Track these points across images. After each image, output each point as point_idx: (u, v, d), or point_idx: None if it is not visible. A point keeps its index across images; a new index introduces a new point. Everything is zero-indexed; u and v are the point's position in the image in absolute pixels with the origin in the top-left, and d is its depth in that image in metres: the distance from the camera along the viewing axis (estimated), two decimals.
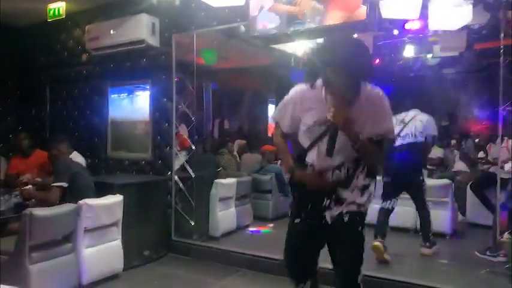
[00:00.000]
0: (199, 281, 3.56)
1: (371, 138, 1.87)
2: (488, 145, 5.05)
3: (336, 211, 1.92)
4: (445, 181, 4.89)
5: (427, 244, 3.95)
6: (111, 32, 4.44)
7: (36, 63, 5.57)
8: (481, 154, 5.56)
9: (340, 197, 1.92)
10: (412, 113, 4.07)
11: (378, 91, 1.93)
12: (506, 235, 3.99)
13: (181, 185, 4.38)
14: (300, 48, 5.69)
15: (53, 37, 5.39)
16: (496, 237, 3.68)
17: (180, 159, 4.58)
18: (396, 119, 4.06)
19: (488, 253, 3.73)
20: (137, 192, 3.94)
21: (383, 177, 3.94)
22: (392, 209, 3.99)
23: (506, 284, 3.08)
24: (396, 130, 3.99)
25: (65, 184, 3.31)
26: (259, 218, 5.46)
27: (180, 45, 4.43)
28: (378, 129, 1.90)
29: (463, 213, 5.28)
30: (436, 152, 6.48)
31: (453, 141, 6.43)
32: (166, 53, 4.43)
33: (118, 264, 3.56)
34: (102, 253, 3.41)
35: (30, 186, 3.78)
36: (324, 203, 1.93)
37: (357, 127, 1.81)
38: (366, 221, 1.99)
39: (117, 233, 3.57)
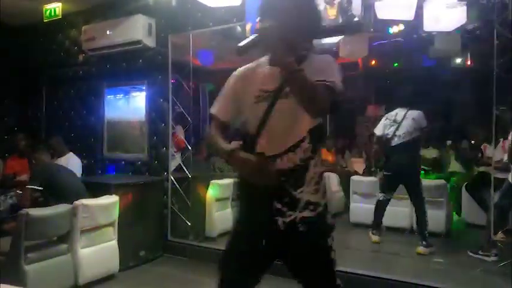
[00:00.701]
0: (195, 281, 3.56)
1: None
2: (483, 145, 5.06)
3: (287, 218, 1.45)
4: (440, 181, 4.93)
5: (424, 243, 3.98)
6: (108, 32, 4.45)
7: (32, 64, 5.56)
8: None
9: (293, 196, 1.44)
10: (402, 112, 4.17)
11: (327, 56, 1.57)
12: (500, 234, 4.03)
13: (177, 185, 4.38)
14: None
15: (50, 37, 5.39)
16: (491, 236, 3.70)
17: (176, 160, 4.60)
18: (388, 119, 4.17)
19: (480, 252, 3.76)
20: (133, 193, 3.94)
21: (383, 170, 4.16)
22: (389, 199, 4.22)
23: (500, 283, 3.10)
24: (391, 130, 4.06)
25: (36, 187, 3.37)
26: None
27: (176, 46, 4.44)
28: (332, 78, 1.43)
29: (458, 213, 5.31)
30: (431, 153, 6.53)
31: (448, 142, 6.46)
32: (163, 53, 4.44)
33: (114, 264, 3.56)
34: (98, 253, 3.42)
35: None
36: (274, 206, 1.44)
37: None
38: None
39: (113, 233, 3.58)
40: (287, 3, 1.49)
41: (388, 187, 4.22)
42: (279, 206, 1.44)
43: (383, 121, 4.28)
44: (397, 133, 4.08)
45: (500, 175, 4.00)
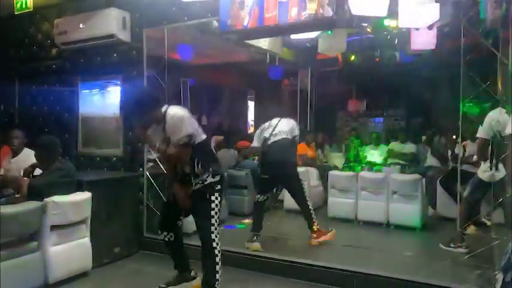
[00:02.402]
0: (170, 276, 3.54)
1: (178, 144, 2.67)
2: (464, 142, 5.11)
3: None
4: (415, 176, 5.01)
5: (314, 236, 4.06)
6: (81, 26, 4.37)
7: (4, 57, 5.42)
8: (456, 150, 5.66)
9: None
10: (275, 120, 4.38)
11: (170, 113, 2.67)
12: (472, 227, 4.14)
13: (153, 181, 4.34)
14: (274, 44, 5.70)
15: (21, 31, 5.26)
16: (465, 229, 3.80)
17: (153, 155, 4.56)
18: (263, 126, 4.40)
19: (452, 245, 3.85)
20: (107, 189, 3.90)
21: (260, 173, 4.31)
22: (267, 199, 4.32)
23: (466, 275, 3.18)
24: (267, 132, 4.28)
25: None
26: (235, 214, 5.48)
27: (151, 40, 4.38)
28: (176, 137, 2.66)
29: (434, 207, 5.41)
30: (409, 148, 6.65)
31: (423, 137, 6.57)
32: (138, 48, 4.39)
33: (87, 262, 3.52)
34: (70, 251, 3.38)
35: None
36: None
37: (162, 141, 2.75)
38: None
39: (85, 230, 3.53)
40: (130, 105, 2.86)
41: (264, 188, 4.27)
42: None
43: (258, 131, 4.46)
44: (273, 133, 4.24)
45: (473, 170, 4.10)
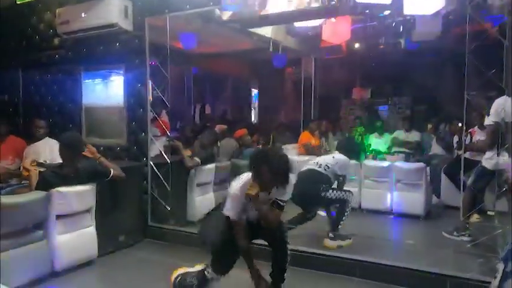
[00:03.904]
0: (174, 264, 3.53)
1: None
2: (471, 129, 5.06)
3: None
4: (420, 164, 5.00)
5: (331, 235, 3.87)
6: (82, 15, 4.33)
7: (7, 47, 5.42)
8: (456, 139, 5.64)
9: None
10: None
11: None
12: (475, 215, 4.14)
13: (157, 171, 4.37)
14: (278, 32, 5.66)
15: (24, 21, 5.23)
16: (468, 217, 3.79)
17: (160, 142, 4.59)
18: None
19: (455, 233, 3.86)
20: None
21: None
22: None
23: (469, 263, 3.19)
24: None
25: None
26: None
27: (154, 29, 4.35)
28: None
29: (438, 196, 5.41)
30: (413, 136, 6.62)
31: (429, 126, 6.52)
32: (140, 37, 4.36)
33: (92, 250, 3.56)
34: (76, 240, 3.41)
35: None
36: None
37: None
38: None
39: (90, 219, 3.56)
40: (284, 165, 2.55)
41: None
42: None
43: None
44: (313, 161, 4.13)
45: (477, 158, 4.07)
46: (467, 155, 4.27)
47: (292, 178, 2.75)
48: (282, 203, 2.62)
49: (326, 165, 3.98)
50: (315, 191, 3.85)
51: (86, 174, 3.45)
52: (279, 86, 9.42)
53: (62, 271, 3.28)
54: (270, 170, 2.47)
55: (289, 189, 2.64)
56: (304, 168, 4.08)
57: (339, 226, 3.90)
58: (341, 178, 4.06)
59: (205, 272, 2.79)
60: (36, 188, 3.27)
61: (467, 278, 2.89)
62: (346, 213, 3.91)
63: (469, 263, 3.21)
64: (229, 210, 2.61)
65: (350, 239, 3.89)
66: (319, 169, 3.97)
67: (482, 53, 3.02)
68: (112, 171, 3.58)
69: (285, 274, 2.75)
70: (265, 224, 2.59)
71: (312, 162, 4.10)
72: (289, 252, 2.71)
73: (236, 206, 2.59)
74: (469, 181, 3.77)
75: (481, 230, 3.57)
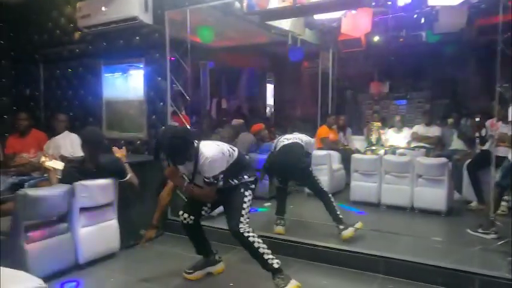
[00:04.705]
0: (195, 258, 3.59)
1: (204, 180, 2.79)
2: (490, 121, 4.92)
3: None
4: (441, 160, 4.89)
5: (341, 227, 3.76)
6: (103, 9, 4.34)
7: (28, 42, 5.48)
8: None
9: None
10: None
11: (204, 154, 2.73)
12: (474, 203, 4.08)
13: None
14: (296, 25, 5.58)
15: (45, 15, 5.28)
16: (489, 215, 3.70)
17: None
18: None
19: (480, 230, 3.77)
20: (133, 172, 3.92)
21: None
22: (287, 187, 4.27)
23: (498, 261, 3.11)
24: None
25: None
26: (257, 197, 5.44)
27: (174, 23, 4.34)
28: (206, 175, 2.76)
29: (460, 192, 5.29)
30: (434, 131, 6.49)
31: (450, 120, 6.37)
32: (160, 30, 4.35)
33: (114, 243, 3.60)
34: (98, 232, 3.45)
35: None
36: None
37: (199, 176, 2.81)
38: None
39: (112, 212, 3.60)
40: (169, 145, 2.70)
41: (282, 181, 4.19)
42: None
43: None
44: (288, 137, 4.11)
45: (501, 153, 3.96)
46: (490, 149, 4.16)
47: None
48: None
49: (300, 139, 4.05)
50: (299, 161, 3.92)
51: (107, 170, 3.48)
52: (296, 80, 9.33)
53: (84, 264, 3.33)
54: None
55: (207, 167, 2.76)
56: (284, 143, 4.04)
57: (339, 214, 3.83)
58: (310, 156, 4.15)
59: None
60: (61, 182, 3.30)
61: (496, 276, 2.82)
62: (332, 200, 3.90)
63: (496, 261, 3.13)
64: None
65: (358, 222, 3.85)
66: (299, 141, 4.01)
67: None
68: (129, 175, 3.62)
69: None
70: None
71: (286, 139, 4.09)
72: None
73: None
74: (497, 177, 3.66)
75: (507, 228, 3.47)
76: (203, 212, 3.14)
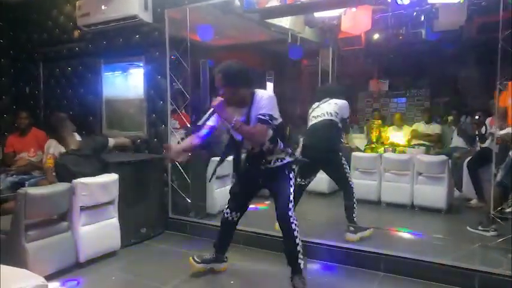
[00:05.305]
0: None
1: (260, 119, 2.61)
2: (490, 119, 4.93)
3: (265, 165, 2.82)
4: (442, 157, 4.90)
5: (351, 229, 3.67)
6: (103, 7, 4.34)
7: (28, 41, 5.47)
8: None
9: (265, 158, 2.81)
10: (325, 100, 3.91)
11: (259, 94, 2.72)
12: (475, 201, 4.08)
13: (177, 163, 4.36)
14: (296, 23, 5.57)
15: (44, 13, 5.27)
16: (490, 212, 3.70)
17: (178, 135, 4.58)
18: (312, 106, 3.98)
19: (480, 228, 3.77)
20: (133, 171, 3.94)
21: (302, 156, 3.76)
22: (308, 184, 3.96)
23: (498, 258, 3.11)
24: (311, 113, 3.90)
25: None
26: (257, 196, 5.45)
27: (173, 21, 4.33)
28: (262, 112, 2.62)
29: (460, 189, 5.30)
30: (434, 128, 6.49)
31: (450, 118, 6.37)
32: (160, 29, 4.35)
33: (115, 242, 3.60)
34: (99, 231, 3.45)
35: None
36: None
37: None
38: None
39: (113, 211, 3.60)
40: (228, 76, 2.68)
41: (305, 172, 3.87)
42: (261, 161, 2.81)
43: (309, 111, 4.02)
44: (314, 114, 3.85)
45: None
46: (490, 146, 4.16)
47: None
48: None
49: (335, 112, 3.75)
50: (329, 141, 3.70)
51: (89, 147, 3.54)
52: (295, 78, 9.32)
53: (85, 262, 3.33)
54: None
55: None
56: (313, 122, 3.82)
57: (354, 216, 3.73)
58: (347, 121, 3.89)
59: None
60: (57, 176, 3.31)
61: (496, 273, 2.83)
62: (354, 199, 3.75)
63: (497, 258, 3.13)
64: None
65: (370, 228, 3.78)
66: (330, 117, 3.73)
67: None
68: (113, 140, 3.68)
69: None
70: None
71: (316, 115, 3.82)
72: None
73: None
74: (499, 175, 3.66)
75: (507, 225, 3.48)
76: (249, 204, 3.07)
